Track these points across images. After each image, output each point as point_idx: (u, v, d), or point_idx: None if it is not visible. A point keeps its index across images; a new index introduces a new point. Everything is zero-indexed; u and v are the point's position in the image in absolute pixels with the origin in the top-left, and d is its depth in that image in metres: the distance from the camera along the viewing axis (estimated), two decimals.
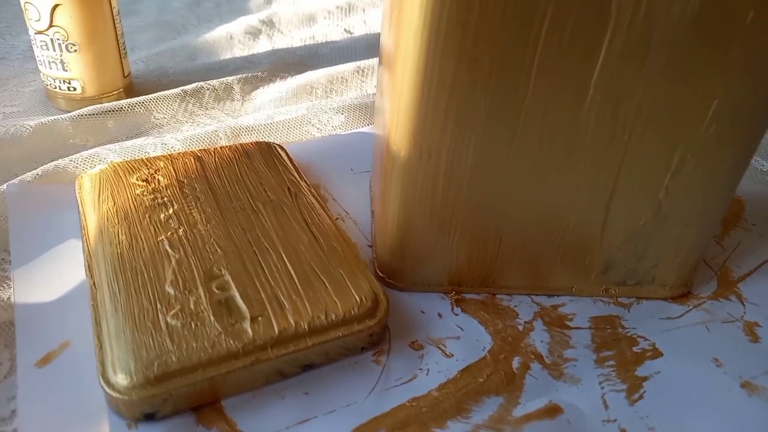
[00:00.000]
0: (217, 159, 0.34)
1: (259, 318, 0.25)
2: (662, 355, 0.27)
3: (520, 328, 0.28)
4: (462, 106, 0.24)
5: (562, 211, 0.27)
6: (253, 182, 0.33)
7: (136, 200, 0.30)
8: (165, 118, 0.43)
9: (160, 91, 0.45)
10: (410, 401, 0.25)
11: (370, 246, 0.33)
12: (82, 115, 0.40)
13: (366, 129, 0.43)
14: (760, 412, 0.25)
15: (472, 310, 0.29)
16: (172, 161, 0.34)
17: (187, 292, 0.26)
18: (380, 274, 0.30)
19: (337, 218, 0.34)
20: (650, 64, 0.23)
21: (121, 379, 0.22)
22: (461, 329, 0.28)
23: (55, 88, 0.42)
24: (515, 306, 0.29)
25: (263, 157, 0.35)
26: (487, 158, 0.25)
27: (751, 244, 0.34)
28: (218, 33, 0.57)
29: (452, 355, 0.27)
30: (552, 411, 0.25)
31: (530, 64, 0.23)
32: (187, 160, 0.34)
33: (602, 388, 0.26)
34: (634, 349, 0.28)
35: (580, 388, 0.26)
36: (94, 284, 0.27)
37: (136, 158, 0.35)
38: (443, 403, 0.25)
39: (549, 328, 0.28)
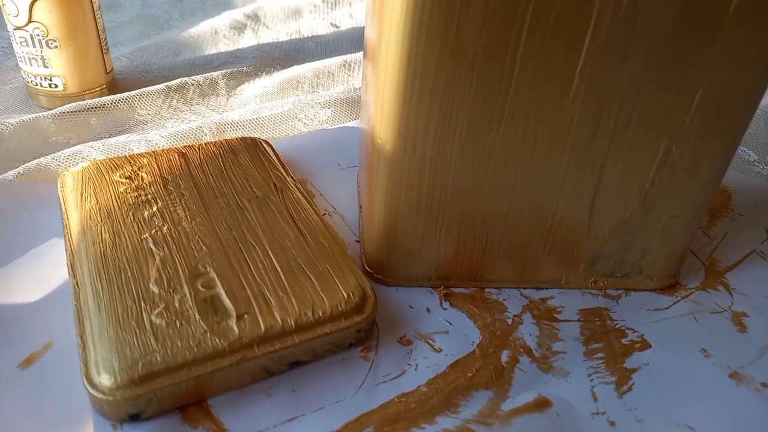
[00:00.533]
0: (201, 155, 0.34)
1: (245, 315, 0.24)
2: (651, 346, 0.27)
3: (509, 321, 0.28)
4: (446, 99, 0.24)
5: (549, 202, 0.27)
6: (239, 178, 0.32)
7: (119, 198, 0.30)
8: (149, 114, 0.43)
9: (143, 87, 0.44)
10: (399, 397, 0.25)
11: (358, 241, 0.32)
12: (64, 113, 0.40)
13: (353, 123, 0.42)
14: (748, 402, 0.25)
15: (460, 304, 0.29)
16: (155, 158, 0.33)
17: (171, 290, 0.25)
18: (368, 269, 0.30)
19: (325, 214, 0.34)
20: (634, 55, 0.23)
21: (104, 380, 0.22)
22: (450, 324, 0.28)
23: (36, 85, 0.42)
24: (504, 299, 0.29)
25: (248, 153, 0.35)
26: (473, 151, 0.25)
27: (738, 234, 0.34)
28: (202, 28, 0.56)
29: (441, 350, 0.27)
30: (541, 404, 0.25)
31: (514, 54, 0.23)
32: (171, 157, 0.33)
33: (591, 380, 0.26)
34: (623, 341, 0.28)
35: (569, 381, 0.26)
36: (77, 283, 0.26)
37: (120, 155, 0.34)
38: (432, 399, 0.25)
39: (538, 321, 0.28)
